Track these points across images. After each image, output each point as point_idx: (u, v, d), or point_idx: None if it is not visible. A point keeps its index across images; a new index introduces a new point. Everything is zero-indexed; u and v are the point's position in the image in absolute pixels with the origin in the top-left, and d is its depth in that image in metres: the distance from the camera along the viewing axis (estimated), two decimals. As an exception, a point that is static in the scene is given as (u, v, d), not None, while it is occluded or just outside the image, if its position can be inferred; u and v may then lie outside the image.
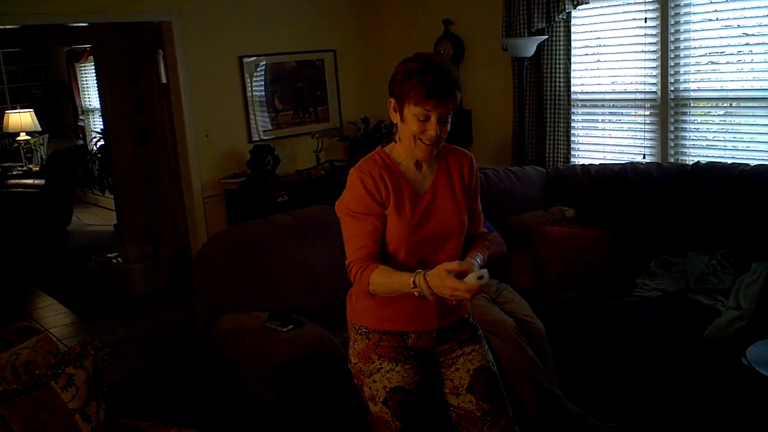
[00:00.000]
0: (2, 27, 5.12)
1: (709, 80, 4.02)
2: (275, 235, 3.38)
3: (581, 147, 4.69)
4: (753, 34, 3.79)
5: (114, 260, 5.72)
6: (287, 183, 5.13)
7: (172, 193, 6.03)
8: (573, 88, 4.57)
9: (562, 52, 4.49)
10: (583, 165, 4.33)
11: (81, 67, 9.37)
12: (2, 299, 5.40)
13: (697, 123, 4.13)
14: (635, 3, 4.20)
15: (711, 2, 3.90)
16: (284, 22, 5.40)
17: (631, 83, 4.36)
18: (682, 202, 3.78)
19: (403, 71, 1.98)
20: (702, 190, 3.73)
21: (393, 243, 2.04)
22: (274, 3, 5.34)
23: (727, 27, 3.89)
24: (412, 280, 1.92)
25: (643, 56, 4.23)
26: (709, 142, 4.10)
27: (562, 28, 4.46)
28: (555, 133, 4.60)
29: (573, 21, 4.49)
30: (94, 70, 7.68)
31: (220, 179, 5.15)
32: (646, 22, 4.15)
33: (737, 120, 4.01)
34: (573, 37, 4.50)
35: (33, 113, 8.76)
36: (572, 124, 4.63)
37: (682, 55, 4.07)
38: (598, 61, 4.52)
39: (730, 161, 3.82)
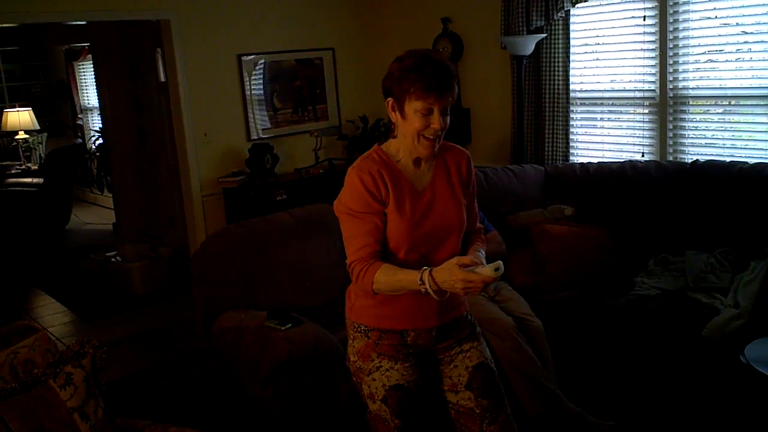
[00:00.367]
0: (1, 25, 5.11)
1: (707, 78, 4.02)
2: (274, 234, 3.38)
3: (580, 145, 4.69)
4: (752, 33, 3.80)
5: (113, 259, 5.72)
6: (286, 181, 5.12)
7: (170, 192, 6.02)
8: (572, 87, 4.56)
9: (560, 50, 4.48)
10: (582, 163, 4.33)
11: (79, 65, 9.37)
12: (1, 298, 5.40)
13: (696, 121, 4.14)
14: (634, 1, 4.21)
15: (710, 0, 3.90)
16: (283, 20, 5.39)
17: (629, 81, 4.36)
18: (680, 201, 3.78)
19: (400, 69, 1.98)
20: (701, 188, 3.73)
21: (394, 241, 2.04)
22: (273, 1, 5.33)
23: (725, 25, 3.90)
24: (419, 277, 1.92)
25: (641, 54, 4.23)
26: (708, 140, 4.10)
27: (560, 27, 4.46)
28: (554, 132, 4.60)
29: (572, 19, 4.49)
30: (92, 69, 7.68)
31: (219, 178, 5.14)
32: (645, 20, 4.15)
33: (736, 118, 4.01)
34: (572, 35, 4.50)
35: (31, 112, 8.74)
36: (571, 123, 4.63)
37: (680, 54, 4.07)
38: (597, 59, 4.52)
39: (728, 159, 3.82)
